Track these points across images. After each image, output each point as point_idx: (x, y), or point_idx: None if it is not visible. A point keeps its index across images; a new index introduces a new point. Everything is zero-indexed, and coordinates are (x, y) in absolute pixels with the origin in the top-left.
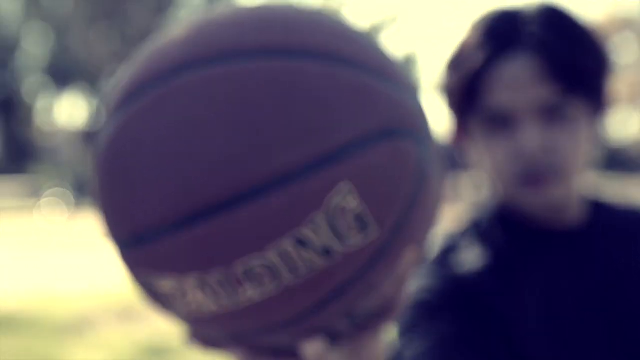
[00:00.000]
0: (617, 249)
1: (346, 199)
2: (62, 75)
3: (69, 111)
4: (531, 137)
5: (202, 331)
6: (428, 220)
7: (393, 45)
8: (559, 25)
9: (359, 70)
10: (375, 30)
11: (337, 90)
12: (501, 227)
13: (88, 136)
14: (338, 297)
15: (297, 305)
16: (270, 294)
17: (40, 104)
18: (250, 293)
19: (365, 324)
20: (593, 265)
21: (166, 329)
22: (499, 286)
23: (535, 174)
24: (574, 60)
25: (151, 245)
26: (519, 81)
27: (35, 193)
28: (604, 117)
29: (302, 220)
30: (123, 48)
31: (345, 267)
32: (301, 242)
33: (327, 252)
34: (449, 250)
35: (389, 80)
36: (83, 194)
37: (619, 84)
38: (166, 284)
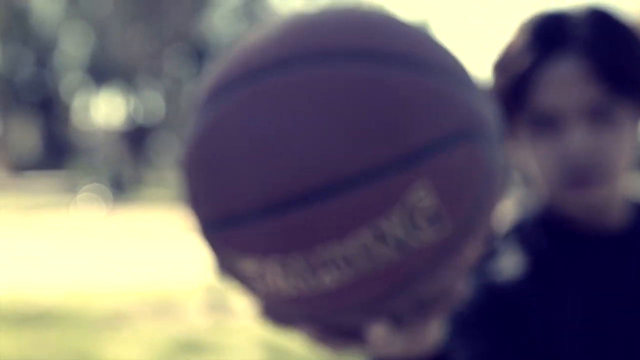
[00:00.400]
0: None
1: (423, 196)
2: (100, 74)
3: (106, 110)
4: (578, 138)
5: (276, 310)
6: (490, 218)
7: None
8: (606, 26)
9: (438, 74)
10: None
11: (419, 94)
12: (544, 230)
13: (124, 134)
14: (406, 288)
15: (368, 293)
16: (344, 282)
17: (78, 103)
18: (326, 280)
19: (426, 311)
20: (634, 270)
21: (201, 324)
22: (538, 292)
23: (581, 175)
24: (620, 62)
25: (239, 229)
26: (566, 82)
27: (72, 189)
28: None
29: (382, 214)
30: (160, 48)
31: (417, 261)
32: (379, 235)
33: (402, 246)
34: (490, 255)
35: (464, 84)
36: (120, 190)
37: None
38: (248, 266)
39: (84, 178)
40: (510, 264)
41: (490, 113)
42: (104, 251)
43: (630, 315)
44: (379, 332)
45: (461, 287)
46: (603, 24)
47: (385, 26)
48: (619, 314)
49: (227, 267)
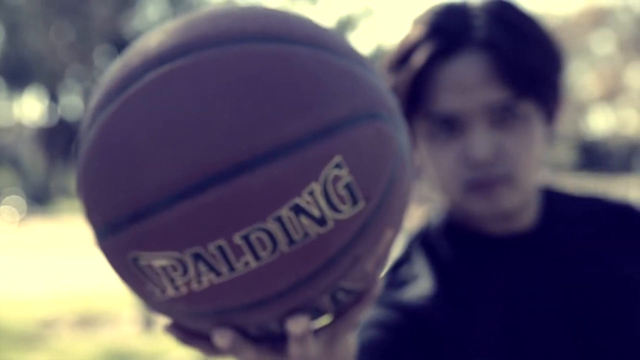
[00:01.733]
0: (573, 246)
1: (339, 170)
2: (18, 72)
3: (27, 110)
4: (480, 142)
5: (185, 319)
6: (404, 202)
7: (367, 37)
8: (508, 21)
9: (343, 57)
10: (351, 21)
11: (328, 72)
12: (450, 237)
13: (48, 139)
14: (328, 268)
15: (291, 275)
16: (267, 262)
17: None
18: (249, 260)
19: (344, 308)
20: (550, 269)
21: (127, 333)
22: (447, 306)
23: (486, 179)
24: (524, 60)
25: (153, 219)
26: (466, 83)
27: None
28: (559, 115)
29: (300, 189)
30: (83, 45)
31: (337, 236)
32: (299, 210)
33: (321, 220)
34: (398, 265)
35: (370, 70)
36: (40, 200)
37: (594, 79)
38: (162, 260)
39: (5, 188)
40: (419, 276)
41: (394, 99)
42: (22, 260)
43: (545, 316)
44: (299, 326)
45: (377, 281)
46: (504, 19)
47: (292, 18)
48: (534, 317)
49: (136, 269)
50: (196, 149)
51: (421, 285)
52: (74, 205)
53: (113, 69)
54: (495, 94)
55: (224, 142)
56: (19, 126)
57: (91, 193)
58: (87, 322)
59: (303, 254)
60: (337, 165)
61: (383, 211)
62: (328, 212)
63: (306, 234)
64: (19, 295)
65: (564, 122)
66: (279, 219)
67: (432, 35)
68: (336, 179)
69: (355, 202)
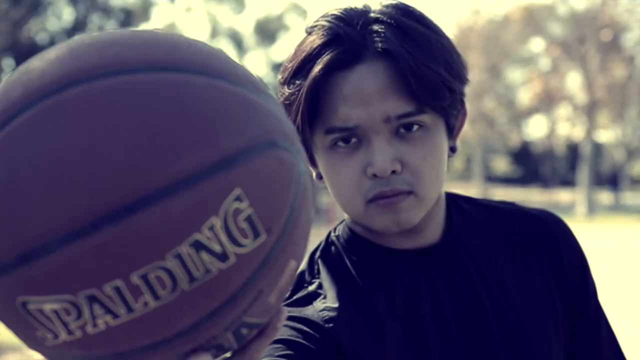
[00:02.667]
0: (478, 257)
1: (239, 203)
2: None
3: None
4: (381, 154)
5: None
6: (306, 231)
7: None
8: (407, 28)
9: (240, 83)
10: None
11: (223, 101)
12: (354, 251)
13: None
14: (231, 304)
15: (192, 314)
16: (167, 301)
17: None
18: (148, 300)
19: (247, 343)
20: (455, 282)
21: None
22: (353, 321)
23: (387, 192)
24: (423, 70)
25: (41, 262)
26: (365, 94)
27: None
28: (460, 127)
29: (200, 224)
30: None
31: (239, 271)
32: (199, 246)
33: (223, 255)
34: (302, 281)
35: (266, 95)
36: None
37: (530, 89)
38: (54, 304)
39: None
40: (321, 294)
41: (291, 125)
42: None
43: (448, 331)
44: None
45: (279, 315)
46: (404, 26)
47: (183, 43)
48: (438, 331)
49: (22, 315)
50: (86, 188)
51: (326, 300)
52: None
53: None
54: (394, 105)
55: (115, 179)
56: None
57: None
58: None
59: (205, 291)
60: (237, 198)
61: (285, 242)
62: (229, 247)
63: (207, 271)
64: None
65: (501, 131)
66: (179, 256)
67: (329, 44)
68: (237, 212)
69: (256, 234)
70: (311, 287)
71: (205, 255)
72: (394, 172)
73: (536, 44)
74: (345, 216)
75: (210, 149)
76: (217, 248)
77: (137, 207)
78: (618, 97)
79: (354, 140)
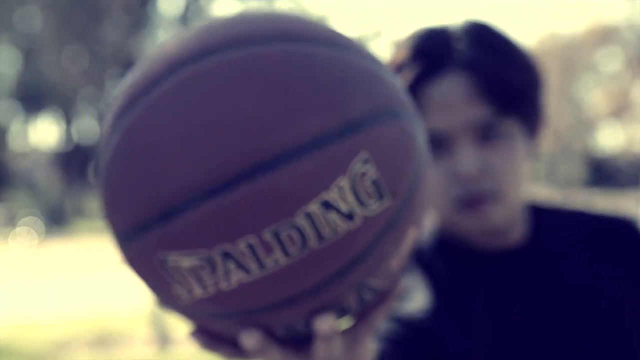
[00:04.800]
0: (563, 261)
1: (366, 166)
2: (34, 98)
3: (44, 135)
4: (467, 159)
5: (212, 322)
6: (426, 201)
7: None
8: (488, 42)
9: (361, 56)
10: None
11: (348, 70)
12: (442, 254)
13: (63, 161)
14: (356, 265)
15: (320, 272)
16: (296, 259)
17: (14, 128)
18: (279, 258)
19: (369, 308)
20: (541, 284)
21: (143, 353)
22: (446, 320)
23: (473, 197)
24: (504, 79)
25: (179, 219)
26: (450, 102)
27: (11, 221)
28: (541, 133)
29: (329, 184)
30: (96, 69)
31: (365, 232)
32: (328, 206)
33: (349, 216)
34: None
35: (385, 69)
36: (57, 222)
37: (602, 97)
38: (191, 260)
39: (22, 209)
40: (414, 294)
41: (411, 100)
42: (40, 283)
43: (540, 331)
44: (326, 325)
45: (399, 282)
46: (485, 39)
47: (308, 21)
48: (528, 332)
49: (163, 271)
50: (222, 148)
51: (418, 300)
52: (90, 227)
53: (133, 76)
54: (478, 111)
55: (249, 139)
56: (35, 151)
57: (116, 197)
58: (102, 343)
59: (332, 251)
60: (364, 161)
61: (408, 208)
62: (356, 208)
63: (335, 230)
64: (35, 317)
65: (574, 139)
66: (309, 215)
67: (415, 58)
68: (363, 174)
69: (382, 198)
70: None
71: (334, 215)
72: (478, 176)
73: (613, 56)
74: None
75: (337, 114)
76: (345, 208)
77: (270, 166)
78: None
79: (440, 147)
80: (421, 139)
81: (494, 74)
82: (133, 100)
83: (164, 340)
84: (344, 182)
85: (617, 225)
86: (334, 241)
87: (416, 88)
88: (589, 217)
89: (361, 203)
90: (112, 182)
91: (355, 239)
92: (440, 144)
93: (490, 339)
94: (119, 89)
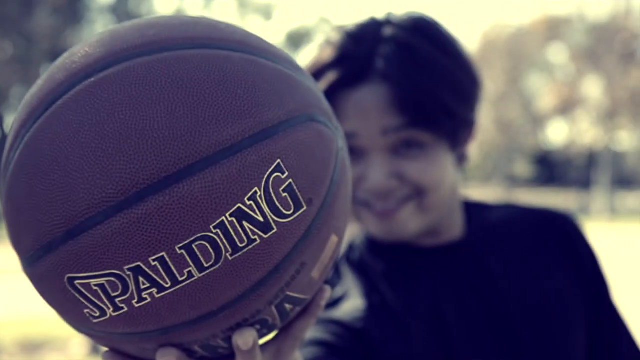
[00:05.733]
0: (499, 257)
1: (279, 173)
2: None
3: None
4: (376, 169)
5: (126, 342)
6: (347, 207)
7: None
8: (414, 52)
9: (277, 61)
10: (307, 33)
11: (262, 75)
12: (377, 252)
13: None
14: (274, 276)
15: (236, 285)
16: (211, 272)
17: None
18: (193, 271)
19: (291, 322)
20: (477, 281)
21: (74, 358)
22: (381, 320)
23: (383, 206)
24: (421, 92)
25: (88, 236)
26: (366, 110)
27: None
28: (468, 143)
29: (242, 193)
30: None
31: (282, 241)
32: (242, 216)
33: (265, 225)
34: (328, 283)
35: (302, 72)
36: None
37: (550, 91)
38: (101, 278)
39: None
40: (349, 295)
41: (327, 103)
42: None
43: (472, 325)
44: (246, 339)
45: (324, 290)
46: (412, 49)
47: (221, 25)
48: (462, 326)
49: (66, 295)
50: (130, 160)
51: (353, 301)
52: None
53: (35, 87)
54: (394, 119)
55: (159, 150)
56: None
57: (20, 215)
58: (32, 347)
59: (248, 262)
60: (278, 168)
61: (326, 215)
62: (271, 217)
63: (250, 240)
64: None
65: (523, 135)
66: (222, 226)
67: (339, 61)
68: (277, 182)
69: (298, 205)
70: (337, 291)
71: (247, 225)
72: (390, 187)
73: (558, 51)
74: None
75: (250, 120)
76: (259, 217)
77: (180, 177)
78: (638, 102)
79: (353, 153)
80: (340, 143)
81: (411, 87)
82: (34, 114)
83: (95, 344)
84: (257, 191)
85: (553, 220)
86: (250, 252)
87: (336, 91)
88: (526, 212)
89: (276, 211)
90: (14, 200)
91: (272, 249)
92: (354, 150)
93: (426, 337)
94: (24, 99)
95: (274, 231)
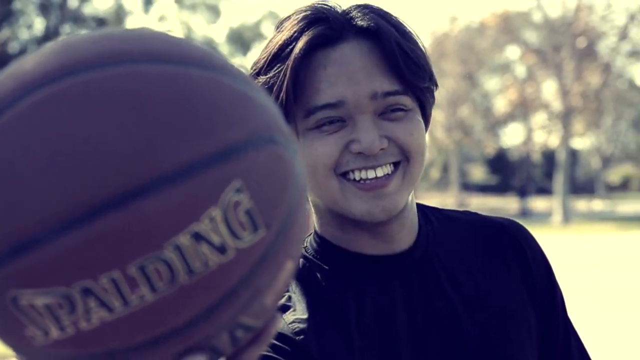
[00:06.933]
0: (449, 266)
1: (239, 195)
2: None
3: None
4: (368, 131)
5: None
6: (302, 233)
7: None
8: (383, 15)
9: (236, 78)
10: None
11: (222, 94)
12: (324, 259)
13: None
14: (228, 301)
15: (189, 309)
16: (164, 294)
17: None
18: (145, 293)
19: (241, 348)
20: (426, 290)
21: None
22: (325, 331)
23: (375, 164)
24: (408, 49)
25: (35, 253)
26: (350, 71)
27: None
28: (430, 114)
29: (199, 214)
30: None
31: (238, 266)
32: (198, 237)
33: (222, 248)
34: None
35: (260, 91)
36: None
37: (506, 97)
38: (47, 298)
39: None
40: (292, 305)
41: (286, 124)
42: None
43: (421, 337)
44: None
45: (275, 318)
46: (381, 14)
47: (178, 40)
48: (411, 338)
49: (8, 315)
50: (84, 175)
51: (295, 313)
52: None
53: None
54: (382, 82)
55: (114, 166)
56: None
57: None
58: None
59: (202, 286)
60: (237, 190)
61: (283, 240)
62: (229, 240)
63: (205, 264)
64: None
65: (478, 138)
66: (178, 248)
67: (311, 24)
68: (236, 204)
69: (256, 229)
70: (280, 300)
71: (204, 247)
72: (381, 149)
73: (512, 52)
74: (314, 225)
75: (210, 139)
76: (216, 240)
77: (135, 195)
78: (593, 104)
79: (338, 121)
80: (298, 166)
81: (398, 42)
82: None
83: None
84: (215, 212)
85: (505, 230)
86: (204, 275)
87: (310, 56)
88: (479, 220)
89: (234, 234)
90: None
91: (227, 273)
92: (338, 116)
93: (372, 349)
94: None
95: (230, 255)
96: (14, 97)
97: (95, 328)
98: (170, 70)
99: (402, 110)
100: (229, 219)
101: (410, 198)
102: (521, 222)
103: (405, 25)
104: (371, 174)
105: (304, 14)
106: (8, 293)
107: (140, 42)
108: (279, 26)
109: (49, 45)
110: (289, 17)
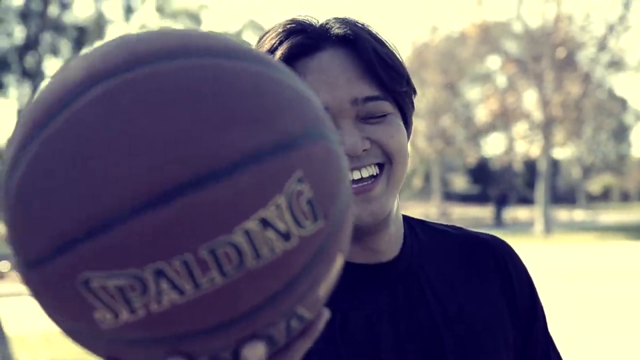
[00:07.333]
0: (432, 280)
1: (301, 185)
2: None
3: None
4: (350, 134)
5: (134, 348)
6: (351, 229)
7: None
8: (360, 26)
9: (286, 75)
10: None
11: (278, 88)
12: None
13: None
14: (290, 289)
15: (256, 294)
16: (233, 278)
17: None
18: (215, 276)
19: (289, 342)
20: (411, 301)
21: None
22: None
23: (359, 166)
24: (386, 55)
25: (108, 235)
26: (330, 78)
27: None
28: (411, 122)
29: (266, 201)
30: None
31: (301, 253)
32: (266, 223)
33: (286, 235)
34: None
35: (307, 87)
36: None
37: (487, 106)
38: (119, 280)
39: None
40: None
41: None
42: None
43: (405, 347)
44: (254, 353)
45: (323, 314)
46: (358, 25)
47: (229, 39)
48: (396, 348)
49: (78, 297)
50: (158, 160)
51: None
52: None
53: (47, 87)
54: (362, 88)
55: (187, 152)
56: None
57: (30, 215)
58: None
59: (269, 271)
60: (299, 180)
61: (338, 232)
62: (293, 228)
63: (272, 249)
64: None
65: (459, 148)
66: (247, 232)
67: (289, 35)
68: (299, 193)
69: (316, 219)
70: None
71: (271, 234)
72: (364, 150)
73: (492, 62)
74: None
75: (272, 129)
76: (282, 227)
77: (207, 180)
78: (573, 114)
79: None
80: (345, 162)
81: (375, 49)
82: (50, 112)
83: None
84: (280, 200)
85: (487, 245)
86: (271, 261)
87: (294, 62)
88: (462, 234)
89: (297, 222)
90: (25, 199)
91: (291, 260)
92: None
93: (356, 357)
94: (36, 97)
95: (294, 242)
96: (83, 87)
97: (165, 310)
98: (230, 65)
99: (382, 115)
100: (293, 207)
101: (395, 208)
102: (499, 233)
103: (381, 35)
104: (356, 175)
105: (282, 27)
106: (80, 275)
107: (200, 39)
108: (260, 40)
109: (106, 44)
110: (269, 31)
